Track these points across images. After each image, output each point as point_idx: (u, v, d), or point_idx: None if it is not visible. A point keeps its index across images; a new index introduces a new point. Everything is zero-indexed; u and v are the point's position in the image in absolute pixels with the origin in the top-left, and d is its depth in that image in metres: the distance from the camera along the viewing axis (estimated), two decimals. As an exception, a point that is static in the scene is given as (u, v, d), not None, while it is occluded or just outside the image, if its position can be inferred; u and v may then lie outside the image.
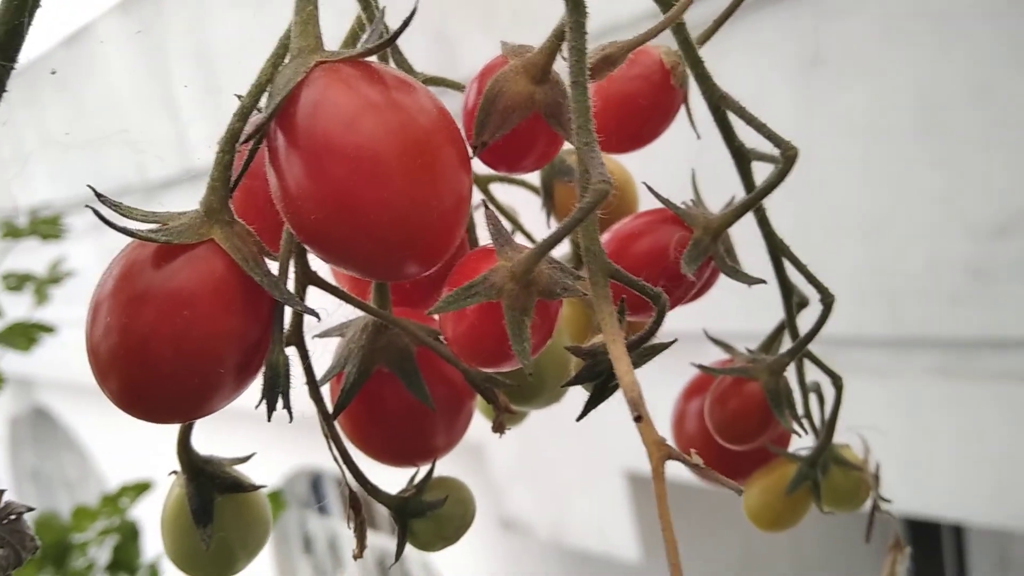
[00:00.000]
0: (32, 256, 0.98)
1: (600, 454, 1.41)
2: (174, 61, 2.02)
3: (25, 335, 0.79)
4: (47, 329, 0.80)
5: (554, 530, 1.70)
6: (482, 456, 1.64)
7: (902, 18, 0.98)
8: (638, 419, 0.18)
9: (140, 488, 0.85)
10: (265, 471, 0.28)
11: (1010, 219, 0.95)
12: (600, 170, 0.19)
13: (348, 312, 0.27)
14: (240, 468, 0.27)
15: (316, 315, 0.23)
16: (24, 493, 3.61)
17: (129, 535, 0.84)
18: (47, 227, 0.82)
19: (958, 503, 1.11)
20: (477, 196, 0.32)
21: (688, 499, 1.13)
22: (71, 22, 2.23)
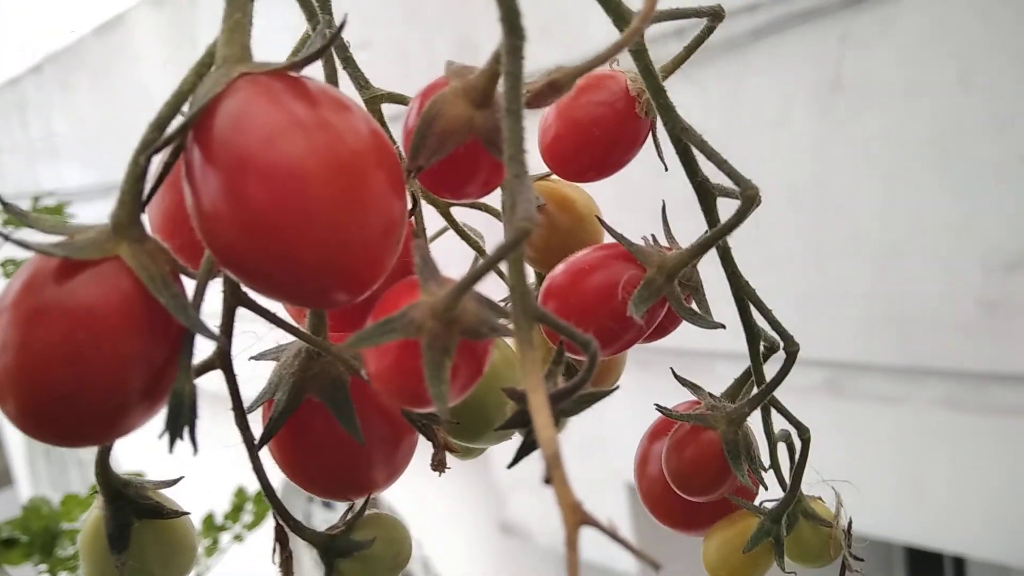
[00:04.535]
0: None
1: (602, 466, 1.40)
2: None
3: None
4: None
5: (554, 537, 1.68)
6: (486, 460, 1.64)
7: (925, 47, 0.96)
8: (548, 481, 0.17)
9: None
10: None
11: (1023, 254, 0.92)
12: (526, 206, 0.17)
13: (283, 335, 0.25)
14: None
15: (222, 342, 0.21)
16: (37, 470, 3.64)
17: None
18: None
19: (960, 535, 1.09)
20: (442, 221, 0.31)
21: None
22: (104, 11, 2.25)
